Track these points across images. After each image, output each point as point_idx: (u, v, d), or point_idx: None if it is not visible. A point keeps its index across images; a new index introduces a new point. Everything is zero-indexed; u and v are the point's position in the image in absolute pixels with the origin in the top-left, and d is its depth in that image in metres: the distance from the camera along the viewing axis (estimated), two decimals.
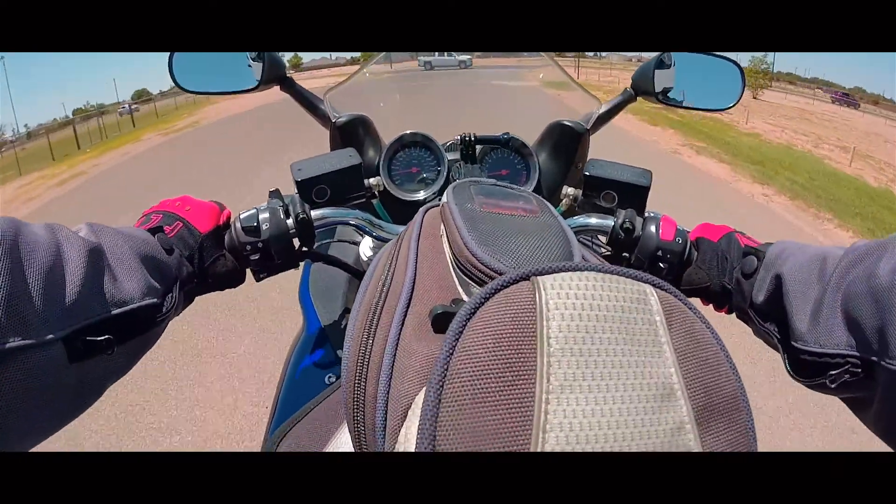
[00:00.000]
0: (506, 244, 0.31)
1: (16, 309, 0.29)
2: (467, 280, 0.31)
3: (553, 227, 0.35)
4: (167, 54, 0.70)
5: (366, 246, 0.72)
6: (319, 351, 0.71)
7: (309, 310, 0.76)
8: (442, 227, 0.38)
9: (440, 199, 0.70)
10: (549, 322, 0.22)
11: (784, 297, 0.46)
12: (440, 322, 0.27)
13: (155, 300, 0.42)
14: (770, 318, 0.49)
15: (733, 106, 0.79)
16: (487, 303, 0.23)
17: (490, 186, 0.43)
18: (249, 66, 0.74)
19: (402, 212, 0.73)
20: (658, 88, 0.76)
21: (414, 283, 0.32)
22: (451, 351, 0.22)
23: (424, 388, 0.24)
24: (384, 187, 0.68)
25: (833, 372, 0.41)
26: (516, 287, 0.23)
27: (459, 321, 0.22)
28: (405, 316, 0.30)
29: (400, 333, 0.29)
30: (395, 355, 0.28)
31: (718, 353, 0.25)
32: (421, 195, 0.73)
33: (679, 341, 0.24)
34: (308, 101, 0.75)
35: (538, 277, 0.23)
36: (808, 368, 0.43)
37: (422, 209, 0.43)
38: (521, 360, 0.21)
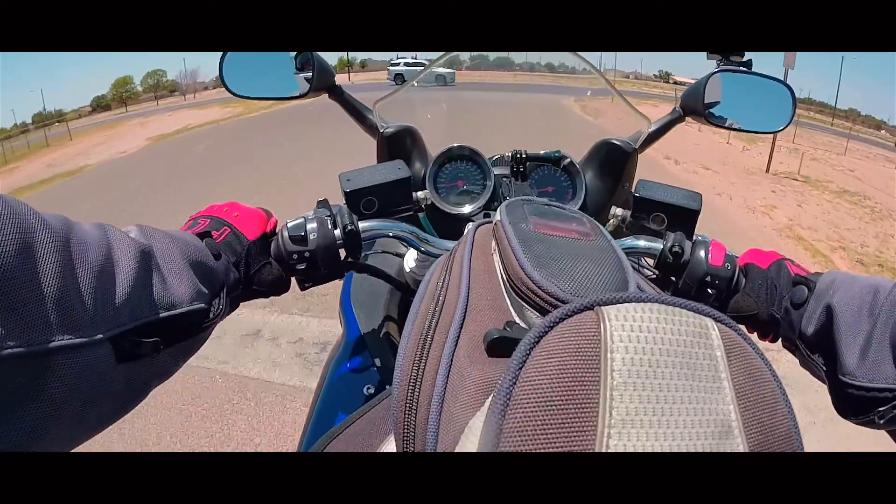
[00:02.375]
0: (561, 267, 0.31)
1: (66, 307, 0.29)
2: (521, 302, 0.30)
3: (607, 252, 0.34)
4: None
5: (410, 258, 0.72)
6: (358, 359, 0.71)
7: (350, 317, 0.77)
8: (493, 244, 0.38)
9: (487, 214, 0.71)
10: (613, 354, 0.21)
11: (834, 330, 0.45)
12: (495, 347, 0.27)
13: (202, 305, 0.42)
14: (818, 350, 0.48)
15: (784, 129, 0.77)
16: (551, 332, 0.23)
17: (543, 206, 0.43)
18: (298, 72, 0.75)
19: (447, 224, 0.73)
20: (706, 109, 0.74)
21: (467, 302, 0.32)
22: (514, 380, 0.21)
23: (478, 413, 0.24)
24: (431, 201, 0.68)
25: (881, 408, 0.40)
26: (580, 317, 0.23)
27: (524, 350, 0.22)
28: (458, 337, 0.30)
29: (453, 354, 0.29)
30: (447, 377, 0.28)
31: (776, 390, 0.25)
32: (467, 209, 0.73)
33: (738, 377, 0.23)
34: (356, 111, 0.76)
35: (602, 308, 0.23)
36: (856, 404, 0.42)
37: (473, 225, 0.43)
38: (585, 392, 0.21)
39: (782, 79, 0.77)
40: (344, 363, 0.72)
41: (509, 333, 0.27)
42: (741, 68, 0.77)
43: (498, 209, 0.41)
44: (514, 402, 0.21)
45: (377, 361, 0.69)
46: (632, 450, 0.20)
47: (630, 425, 0.21)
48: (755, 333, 0.56)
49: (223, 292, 0.47)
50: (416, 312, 0.35)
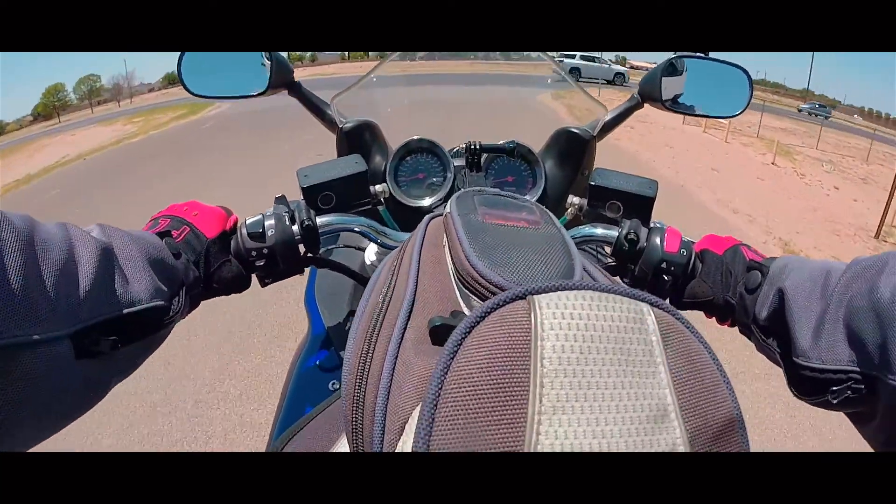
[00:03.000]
0: (506, 257, 0.31)
1: (28, 304, 0.30)
2: (468, 293, 0.31)
3: (555, 240, 0.35)
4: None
5: (371, 252, 0.72)
6: (323, 353, 0.72)
7: (314, 313, 0.77)
8: (444, 237, 0.38)
9: (444, 208, 0.71)
10: (543, 342, 0.22)
11: (786, 313, 0.46)
12: (438, 334, 0.28)
13: (162, 302, 0.42)
14: (772, 333, 0.49)
15: (741, 113, 0.78)
16: (483, 321, 0.23)
17: (494, 196, 0.44)
18: (259, 69, 0.74)
19: (408, 218, 0.73)
20: (665, 95, 0.75)
21: (415, 294, 0.32)
22: (444, 370, 0.22)
23: (421, 404, 0.24)
24: (390, 194, 0.68)
25: (835, 388, 0.40)
26: (512, 306, 0.23)
27: (454, 341, 0.23)
28: (405, 328, 0.30)
29: (400, 346, 0.29)
30: (394, 368, 0.28)
31: (716, 374, 0.25)
32: (426, 202, 0.74)
33: (675, 362, 0.24)
34: (315, 107, 0.75)
35: (535, 296, 0.23)
36: (810, 385, 0.43)
37: (426, 218, 0.43)
38: (514, 380, 0.21)
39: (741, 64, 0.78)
40: (310, 358, 0.72)
41: (450, 320, 0.28)
42: (698, 54, 0.78)
43: (448, 201, 0.41)
44: (446, 393, 0.21)
45: (342, 356, 0.69)
46: (563, 436, 0.21)
47: (561, 412, 0.21)
48: (713, 318, 0.57)
49: (183, 290, 0.47)
50: (364, 306, 0.35)
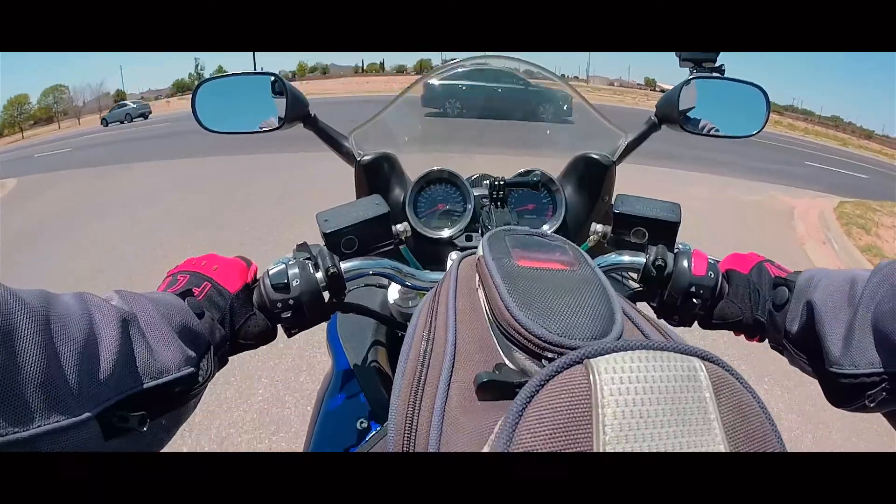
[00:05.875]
0: (546, 305, 0.31)
1: (50, 388, 0.28)
2: (509, 344, 0.30)
3: (592, 283, 0.34)
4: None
5: (394, 291, 0.70)
6: (348, 391, 0.70)
7: (338, 350, 0.76)
8: (477, 279, 0.38)
9: (469, 237, 0.70)
10: (604, 409, 0.21)
11: (816, 325, 0.46)
12: (485, 391, 0.27)
13: (191, 369, 0.41)
14: (804, 347, 0.49)
15: (758, 132, 0.78)
16: (542, 390, 0.22)
17: (525, 237, 0.43)
18: (272, 103, 0.74)
19: (428, 250, 0.72)
20: (682, 117, 0.75)
21: (455, 348, 0.32)
22: (507, 443, 0.21)
23: None
24: (412, 230, 0.67)
25: (870, 392, 0.41)
26: (570, 372, 0.23)
27: (515, 412, 0.22)
28: (449, 386, 0.30)
29: (446, 402, 0.29)
30: (441, 429, 0.28)
31: (764, 423, 0.25)
32: (447, 233, 0.73)
33: (727, 416, 0.24)
34: (332, 140, 0.75)
35: (591, 360, 0.23)
36: (847, 392, 0.43)
37: (456, 259, 0.43)
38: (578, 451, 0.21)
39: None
40: (336, 396, 0.71)
41: (499, 377, 0.27)
42: (714, 74, 0.77)
43: (479, 243, 0.40)
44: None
45: (368, 394, 0.68)
46: None
47: None
48: (742, 335, 0.57)
49: (210, 351, 0.45)
50: (405, 361, 0.34)
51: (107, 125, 22.50)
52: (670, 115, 0.75)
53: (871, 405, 0.41)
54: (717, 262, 0.59)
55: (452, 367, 0.31)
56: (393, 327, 0.73)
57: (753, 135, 0.78)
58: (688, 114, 0.76)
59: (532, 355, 0.29)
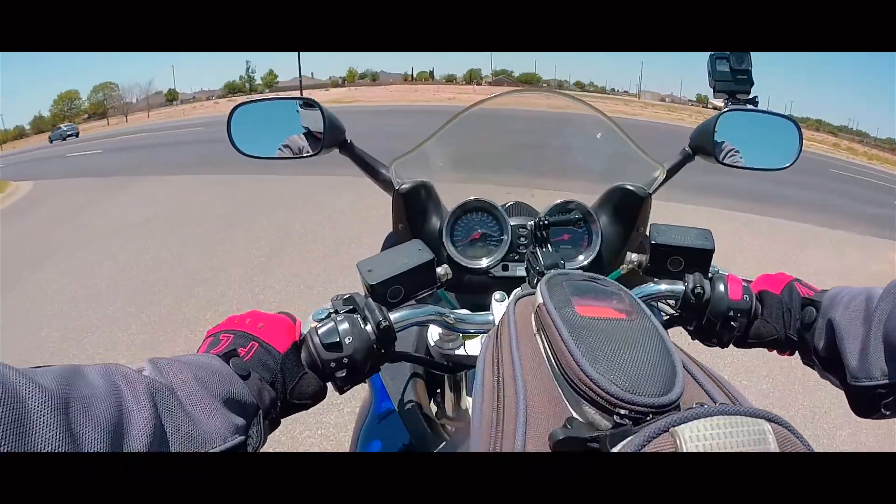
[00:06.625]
0: (613, 358, 0.32)
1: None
2: (578, 398, 0.32)
3: (650, 334, 0.36)
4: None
5: (434, 332, 0.69)
6: (387, 430, 0.70)
7: (378, 388, 0.75)
8: (534, 322, 0.40)
9: (506, 267, 0.70)
10: None
11: (837, 340, 0.50)
12: (561, 447, 0.29)
13: (240, 438, 0.38)
14: (830, 362, 0.53)
15: (791, 166, 0.78)
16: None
17: (581, 282, 0.44)
18: (307, 131, 0.75)
19: (465, 281, 0.72)
20: (717, 148, 0.75)
21: (527, 402, 0.33)
22: None
23: None
24: (451, 275, 0.66)
25: (886, 400, 0.46)
26: (659, 441, 0.25)
27: None
28: (525, 445, 0.31)
29: None
30: None
31: None
32: (484, 262, 0.73)
33: None
34: (369, 167, 0.75)
35: (677, 429, 0.25)
36: (866, 402, 0.48)
37: (511, 300, 0.44)
38: None
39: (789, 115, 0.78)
40: (374, 435, 0.70)
41: (572, 432, 0.29)
42: (748, 106, 0.78)
43: (538, 288, 0.41)
44: None
45: (409, 431, 0.68)
46: None
47: None
48: (774, 351, 0.61)
49: (259, 416, 0.43)
50: (479, 415, 0.36)
51: (52, 142, 28.75)
52: (704, 146, 0.75)
53: (887, 412, 0.46)
54: (750, 282, 0.62)
55: (526, 422, 0.32)
56: (435, 369, 0.73)
57: (786, 168, 0.78)
58: (721, 145, 0.76)
59: (603, 410, 0.30)
